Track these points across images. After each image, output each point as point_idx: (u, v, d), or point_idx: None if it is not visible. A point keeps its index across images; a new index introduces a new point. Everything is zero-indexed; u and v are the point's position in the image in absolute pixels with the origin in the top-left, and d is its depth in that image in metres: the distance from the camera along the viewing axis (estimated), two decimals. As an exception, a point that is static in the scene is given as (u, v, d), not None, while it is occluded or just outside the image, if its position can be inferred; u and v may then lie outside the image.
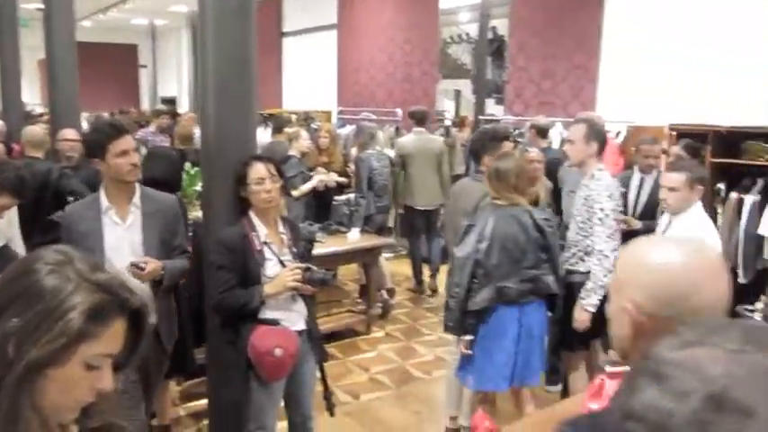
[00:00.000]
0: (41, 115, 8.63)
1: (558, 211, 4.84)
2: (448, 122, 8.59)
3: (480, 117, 7.83)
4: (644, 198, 4.66)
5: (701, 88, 5.90)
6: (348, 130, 8.92)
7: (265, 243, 2.79)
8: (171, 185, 3.34)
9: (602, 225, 3.44)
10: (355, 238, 5.49)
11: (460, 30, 8.87)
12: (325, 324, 5.05)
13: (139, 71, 19.58)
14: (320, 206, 5.91)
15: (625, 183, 4.84)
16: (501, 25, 8.18)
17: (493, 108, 8.27)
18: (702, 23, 6.04)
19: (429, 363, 4.92)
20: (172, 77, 17.98)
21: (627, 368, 2.08)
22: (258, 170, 2.78)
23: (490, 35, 8.18)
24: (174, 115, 9.78)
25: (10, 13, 7.00)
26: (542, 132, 5.90)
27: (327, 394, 3.05)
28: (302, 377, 2.92)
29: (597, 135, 3.65)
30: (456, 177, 6.47)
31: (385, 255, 6.36)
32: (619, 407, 0.66)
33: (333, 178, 5.85)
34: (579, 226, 3.59)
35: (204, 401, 3.47)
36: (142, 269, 2.61)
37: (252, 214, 2.82)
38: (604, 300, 3.64)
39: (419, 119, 6.74)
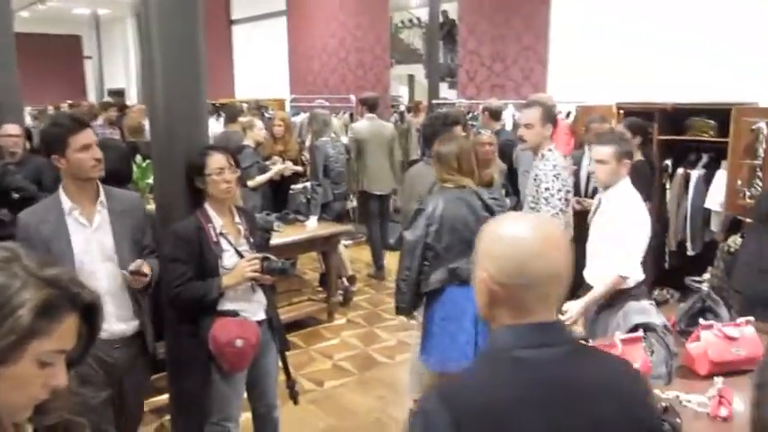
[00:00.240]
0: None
1: (515, 191, 4.92)
2: (402, 108, 8.61)
3: (434, 102, 7.87)
4: (595, 176, 4.77)
5: (647, 67, 6.04)
6: (302, 117, 8.86)
7: (221, 234, 2.76)
8: (121, 178, 3.25)
9: (548, 204, 3.52)
10: (313, 226, 5.47)
11: (411, 14, 8.87)
12: (287, 313, 5.03)
13: (84, 63, 19.00)
14: (277, 195, 5.87)
15: (577, 161, 4.95)
16: (451, 9, 8.21)
17: (446, 92, 8.31)
18: (646, 5, 6.18)
19: (392, 347, 4.95)
20: (119, 69, 17.50)
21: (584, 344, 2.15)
22: (218, 160, 2.74)
23: (441, 19, 8.20)
24: (122, 107, 9.54)
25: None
26: (495, 115, 5.98)
27: (290, 383, 3.05)
28: (265, 367, 2.91)
29: (551, 117, 3.73)
30: (412, 162, 6.52)
31: (344, 242, 6.36)
32: None
33: (289, 167, 5.82)
34: (530, 206, 3.67)
35: (165, 396, 3.43)
36: (146, 275, 2.50)
37: (207, 205, 2.78)
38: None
39: (371, 105, 6.85)
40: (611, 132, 3.61)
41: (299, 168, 6.00)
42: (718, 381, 2.17)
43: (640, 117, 5.08)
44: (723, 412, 2.12)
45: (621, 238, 2.99)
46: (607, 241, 3.08)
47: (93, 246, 2.50)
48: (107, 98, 14.39)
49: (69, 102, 12.26)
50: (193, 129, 2.92)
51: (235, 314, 2.74)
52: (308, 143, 6.69)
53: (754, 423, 0.96)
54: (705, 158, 5.28)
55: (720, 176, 5.06)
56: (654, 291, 5.38)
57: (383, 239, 6.72)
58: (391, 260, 6.31)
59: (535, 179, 3.63)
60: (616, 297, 3.02)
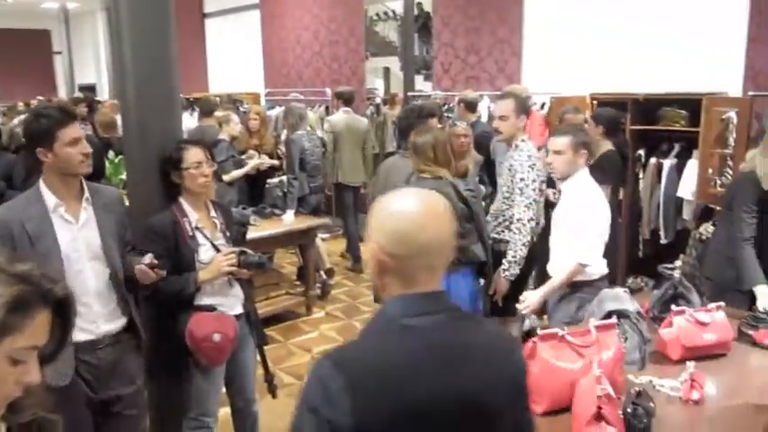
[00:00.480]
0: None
1: (492, 182, 4.94)
2: (378, 100, 8.60)
3: (410, 94, 7.87)
4: (569, 166, 4.80)
5: (620, 59, 6.10)
6: (277, 111, 8.81)
7: (197, 228, 2.74)
8: (95, 173, 3.20)
9: (522, 195, 3.54)
10: (290, 220, 5.46)
11: (386, 7, 8.84)
12: (265, 308, 5.02)
13: (54, 58, 18.63)
14: (253, 189, 5.85)
15: (551, 152, 4.98)
16: (426, 1, 8.20)
17: (422, 84, 8.31)
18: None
19: (370, 339, 4.96)
20: (89, 64, 17.18)
21: (557, 331, 2.18)
22: (195, 154, 2.73)
23: (416, 11, 8.20)
24: (91, 103, 9.37)
25: None
26: (471, 106, 6.00)
27: (269, 377, 3.05)
28: (243, 362, 2.90)
29: (525, 108, 3.77)
30: (387, 155, 6.52)
31: (321, 235, 6.35)
32: None
33: (265, 161, 5.79)
34: (504, 196, 3.70)
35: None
36: (162, 267, 2.46)
37: (182, 200, 2.76)
38: (527, 269, 3.75)
39: (346, 99, 6.96)
40: (568, 125, 3.62)
41: (275, 162, 5.97)
42: (690, 365, 2.21)
43: (613, 107, 5.13)
44: (695, 396, 2.16)
45: (581, 229, 2.98)
46: (567, 233, 3.07)
47: (80, 243, 2.39)
48: (78, 94, 14.14)
49: (39, 98, 12.02)
50: (166, 123, 2.88)
51: (212, 309, 2.73)
52: (283, 137, 6.66)
53: None
54: (677, 148, 5.36)
55: (692, 166, 5.14)
56: (628, 279, 5.46)
57: (357, 230, 6.75)
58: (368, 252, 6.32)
59: (510, 169, 3.65)
60: (579, 286, 3.02)
